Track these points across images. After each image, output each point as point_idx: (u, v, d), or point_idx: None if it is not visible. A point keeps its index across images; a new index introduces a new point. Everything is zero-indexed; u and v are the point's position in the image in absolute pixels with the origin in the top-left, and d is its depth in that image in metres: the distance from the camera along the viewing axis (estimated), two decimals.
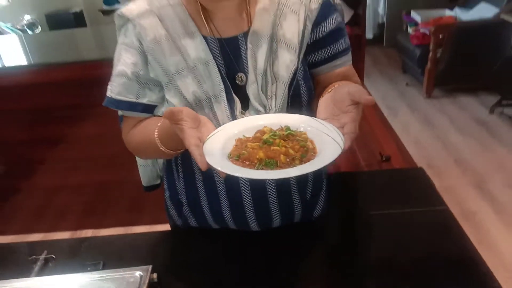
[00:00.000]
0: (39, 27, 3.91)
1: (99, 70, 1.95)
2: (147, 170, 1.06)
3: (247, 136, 0.66)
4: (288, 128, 0.65)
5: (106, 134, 2.11)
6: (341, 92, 0.64)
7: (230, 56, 0.78)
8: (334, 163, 0.58)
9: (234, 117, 0.77)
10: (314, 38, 0.80)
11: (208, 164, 0.58)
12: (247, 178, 0.65)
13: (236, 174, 0.57)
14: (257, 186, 0.85)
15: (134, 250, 0.99)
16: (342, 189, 1.20)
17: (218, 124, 0.74)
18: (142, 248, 1.00)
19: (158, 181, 1.10)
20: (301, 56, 0.80)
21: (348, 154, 1.50)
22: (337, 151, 0.57)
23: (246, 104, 0.79)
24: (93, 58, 2.16)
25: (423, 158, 2.55)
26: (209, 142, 0.62)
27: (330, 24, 0.80)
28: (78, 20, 4.24)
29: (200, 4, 0.77)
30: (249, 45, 0.77)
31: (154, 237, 1.07)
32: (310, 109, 0.83)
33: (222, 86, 0.76)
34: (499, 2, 3.41)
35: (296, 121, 0.67)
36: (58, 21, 4.10)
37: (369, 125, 1.65)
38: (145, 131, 0.81)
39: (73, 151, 2.20)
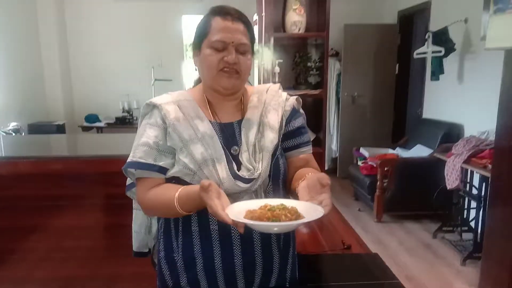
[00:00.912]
0: (23, 133, 4.14)
1: (71, 166, 2.16)
2: (139, 237, 1.27)
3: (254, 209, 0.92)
4: (282, 204, 0.92)
5: (79, 226, 2.22)
6: (312, 179, 0.97)
7: (227, 135, 1.10)
8: (317, 221, 0.86)
9: (232, 173, 1.04)
10: (287, 131, 1.16)
11: (232, 220, 0.84)
12: (260, 227, 0.89)
13: (256, 223, 0.85)
14: (247, 242, 1.08)
15: None
16: (310, 265, 1.40)
17: (219, 179, 1.02)
18: None
19: (147, 250, 1.29)
20: (280, 138, 1.12)
21: (314, 242, 1.74)
22: (320, 214, 0.86)
23: (238, 166, 1.06)
24: (65, 155, 2.32)
25: None
26: (229, 210, 0.88)
27: (297, 122, 1.17)
28: (59, 131, 4.53)
29: (207, 99, 1.13)
30: (242, 128, 1.11)
31: None
32: (285, 177, 1.15)
33: (222, 152, 1.05)
34: (432, 145, 4.09)
35: (287, 201, 0.95)
36: (41, 130, 4.38)
37: (333, 224, 1.91)
38: (164, 193, 1.04)
39: (45, 242, 2.24)
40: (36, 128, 4.48)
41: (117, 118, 5.49)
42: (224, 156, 1.05)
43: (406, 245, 3.53)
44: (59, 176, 2.21)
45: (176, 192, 0.99)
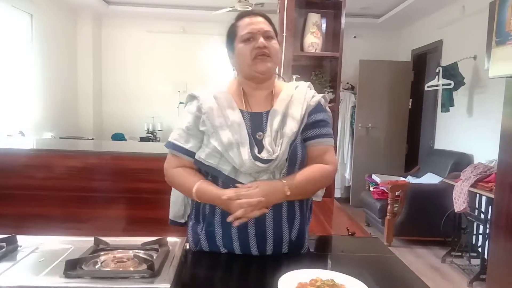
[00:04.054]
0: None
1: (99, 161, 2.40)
2: (175, 207, 1.42)
3: (305, 281, 0.98)
4: (332, 280, 0.98)
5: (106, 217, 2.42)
6: None
7: (255, 123, 1.26)
8: None
9: (253, 155, 1.18)
10: (308, 122, 1.27)
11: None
12: None
13: None
14: (260, 221, 1.22)
15: None
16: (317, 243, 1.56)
17: (241, 160, 1.16)
18: None
19: (182, 221, 1.43)
20: (300, 128, 1.25)
21: (322, 229, 1.91)
22: None
23: (261, 149, 1.20)
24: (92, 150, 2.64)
25: None
26: (281, 281, 0.95)
27: (319, 116, 1.29)
28: None
29: (243, 90, 1.30)
30: (269, 117, 1.25)
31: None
32: (303, 163, 1.26)
33: (247, 137, 1.21)
34: (443, 173, 4.22)
35: (338, 276, 1.01)
36: None
37: (339, 217, 2.09)
38: (186, 181, 1.25)
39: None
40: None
41: (141, 138, 5.81)
42: (248, 141, 1.20)
43: (414, 268, 3.58)
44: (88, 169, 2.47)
45: (196, 183, 1.21)
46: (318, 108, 1.30)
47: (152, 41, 6.16)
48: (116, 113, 6.13)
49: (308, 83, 1.35)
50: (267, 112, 1.27)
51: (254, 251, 1.25)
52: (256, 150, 1.20)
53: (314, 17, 2.70)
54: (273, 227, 1.24)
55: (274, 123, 1.24)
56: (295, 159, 1.24)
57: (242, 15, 1.28)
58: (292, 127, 1.23)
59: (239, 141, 1.19)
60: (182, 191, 1.31)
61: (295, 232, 1.28)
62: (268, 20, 1.28)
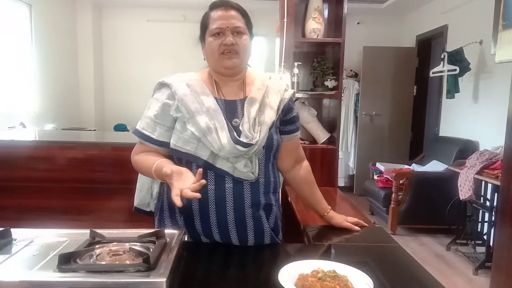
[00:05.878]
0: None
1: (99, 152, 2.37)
2: (140, 195, 1.45)
3: (306, 272, 0.97)
4: (334, 271, 0.96)
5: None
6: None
7: (230, 110, 1.27)
8: None
9: (233, 138, 1.19)
10: (288, 118, 1.36)
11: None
12: None
13: None
14: (239, 213, 1.25)
15: None
16: (318, 233, 1.53)
17: (221, 144, 1.17)
18: None
19: (148, 210, 1.46)
20: (277, 117, 1.30)
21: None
22: (371, 286, 0.92)
23: (238, 135, 1.21)
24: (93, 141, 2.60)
25: None
26: (282, 272, 0.95)
27: (294, 112, 1.39)
28: None
29: (214, 80, 1.31)
30: (245, 104, 1.27)
31: None
32: (277, 152, 1.34)
33: (224, 122, 1.22)
34: (448, 161, 4.17)
35: (339, 267, 1.00)
36: None
37: (342, 207, 2.06)
38: (146, 162, 1.25)
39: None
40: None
41: None
42: (226, 126, 1.21)
43: (419, 256, 3.56)
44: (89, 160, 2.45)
45: (154, 163, 1.21)
46: (290, 101, 1.36)
47: (153, 31, 6.09)
48: (118, 104, 6.09)
49: (279, 74, 1.41)
50: (242, 100, 1.29)
51: (234, 239, 1.26)
52: (235, 134, 1.21)
53: (316, 2, 2.63)
54: (252, 214, 1.26)
55: (251, 111, 1.26)
56: (272, 146, 1.29)
57: (216, 5, 1.27)
58: (271, 115, 1.27)
59: (217, 126, 1.20)
60: (145, 173, 1.29)
61: (272, 219, 1.34)
62: (242, 13, 1.28)
